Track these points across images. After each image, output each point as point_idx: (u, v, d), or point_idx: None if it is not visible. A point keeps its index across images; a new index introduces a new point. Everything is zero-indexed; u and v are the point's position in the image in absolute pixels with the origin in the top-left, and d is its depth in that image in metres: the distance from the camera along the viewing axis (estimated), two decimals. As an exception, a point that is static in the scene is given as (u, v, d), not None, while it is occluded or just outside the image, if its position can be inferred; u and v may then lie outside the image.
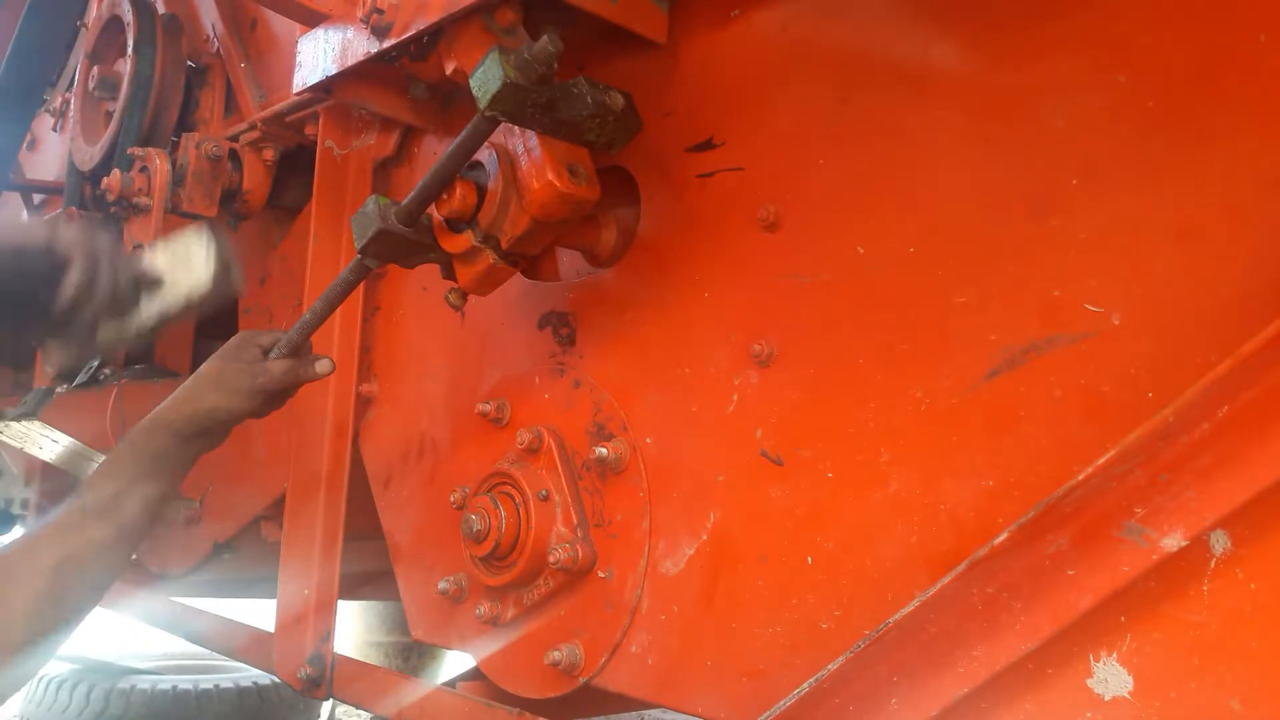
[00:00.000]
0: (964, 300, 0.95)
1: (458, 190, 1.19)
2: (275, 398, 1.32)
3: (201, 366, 1.30)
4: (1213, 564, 0.76)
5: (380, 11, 1.26)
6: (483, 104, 1.04)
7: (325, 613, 1.60)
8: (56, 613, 1.12)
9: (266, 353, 1.33)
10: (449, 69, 1.25)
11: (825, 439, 1.04)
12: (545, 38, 1.01)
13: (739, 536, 1.10)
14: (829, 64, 1.09)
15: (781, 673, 1.02)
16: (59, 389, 2.32)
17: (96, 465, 2.43)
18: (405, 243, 1.22)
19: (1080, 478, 0.76)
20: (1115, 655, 0.80)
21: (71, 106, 2.48)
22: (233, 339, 1.35)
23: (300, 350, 1.33)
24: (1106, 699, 0.80)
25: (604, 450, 1.22)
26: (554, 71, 1.04)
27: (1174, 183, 0.84)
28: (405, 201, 1.20)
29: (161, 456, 1.22)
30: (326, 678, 1.58)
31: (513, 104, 1.05)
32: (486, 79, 1.03)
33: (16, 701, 3.09)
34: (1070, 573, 0.80)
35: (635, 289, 1.27)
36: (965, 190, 0.97)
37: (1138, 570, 0.77)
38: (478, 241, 1.20)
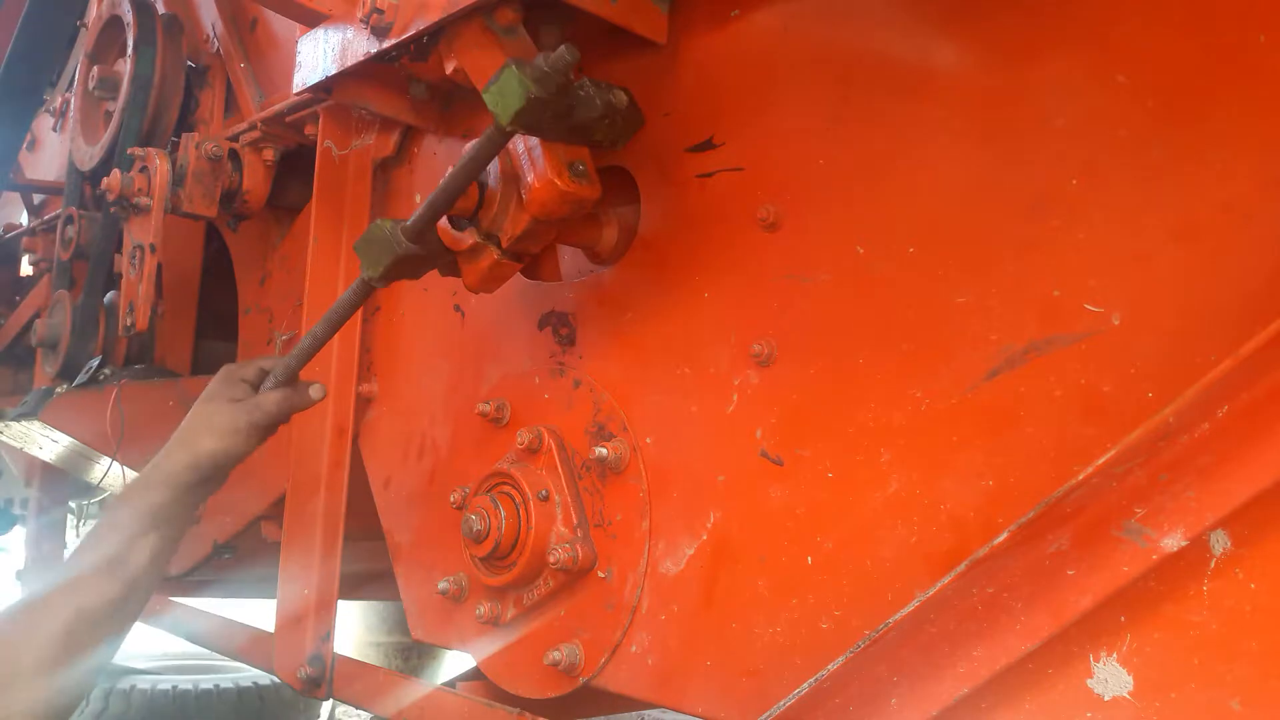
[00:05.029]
0: (964, 300, 0.95)
1: (459, 189, 1.18)
2: (271, 429, 1.31)
3: (190, 411, 1.26)
4: (1213, 564, 0.76)
5: (380, 11, 1.26)
6: (504, 120, 1.02)
7: (325, 613, 1.60)
8: (70, 670, 1.12)
9: (255, 385, 1.30)
10: (449, 68, 1.24)
11: (825, 439, 1.04)
12: (563, 48, 1.00)
13: (739, 536, 1.10)
14: (829, 63, 1.09)
15: (781, 673, 1.02)
16: (59, 389, 2.31)
17: (98, 465, 2.43)
18: (416, 259, 1.21)
19: (1080, 478, 0.76)
20: (1115, 655, 0.80)
21: (71, 106, 2.49)
22: (215, 377, 1.31)
23: (294, 378, 1.31)
24: (1106, 699, 0.80)
25: (604, 450, 1.22)
26: (571, 81, 1.03)
27: (1174, 182, 0.84)
28: (413, 220, 1.18)
29: (160, 509, 1.20)
30: (326, 678, 1.58)
31: (533, 117, 1.04)
32: (505, 95, 1.01)
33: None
34: (1070, 573, 0.80)
35: (635, 289, 1.27)
36: (965, 190, 0.97)
37: (1138, 570, 0.77)
38: (479, 240, 1.20)
